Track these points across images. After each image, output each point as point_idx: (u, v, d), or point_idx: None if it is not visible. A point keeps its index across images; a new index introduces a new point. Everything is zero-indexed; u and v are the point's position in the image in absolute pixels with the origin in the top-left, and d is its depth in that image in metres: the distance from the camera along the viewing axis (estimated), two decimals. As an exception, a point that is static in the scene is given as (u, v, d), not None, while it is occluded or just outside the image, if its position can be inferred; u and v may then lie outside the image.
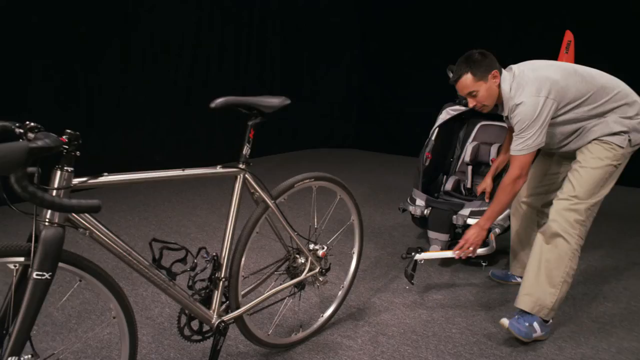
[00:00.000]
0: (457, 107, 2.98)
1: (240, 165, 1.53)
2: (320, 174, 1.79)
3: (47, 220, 1.10)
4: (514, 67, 1.99)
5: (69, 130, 1.08)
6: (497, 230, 2.58)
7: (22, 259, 1.09)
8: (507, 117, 2.03)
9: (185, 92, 4.96)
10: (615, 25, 4.68)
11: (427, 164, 2.91)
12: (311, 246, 1.84)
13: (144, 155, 4.53)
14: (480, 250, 2.24)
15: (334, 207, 3.54)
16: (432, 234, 2.70)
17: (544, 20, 5.05)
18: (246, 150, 1.54)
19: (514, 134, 1.94)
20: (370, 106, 6.70)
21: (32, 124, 1.05)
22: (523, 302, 1.97)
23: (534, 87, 1.85)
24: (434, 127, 2.96)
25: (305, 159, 6.12)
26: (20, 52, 3.57)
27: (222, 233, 3.19)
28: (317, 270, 1.83)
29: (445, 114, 2.98)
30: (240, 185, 1.53)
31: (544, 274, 1.94)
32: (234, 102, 1.46)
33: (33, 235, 1.08)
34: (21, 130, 1.06)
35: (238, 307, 1.62)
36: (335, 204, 3.64)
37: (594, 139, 1.94)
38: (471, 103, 2.02)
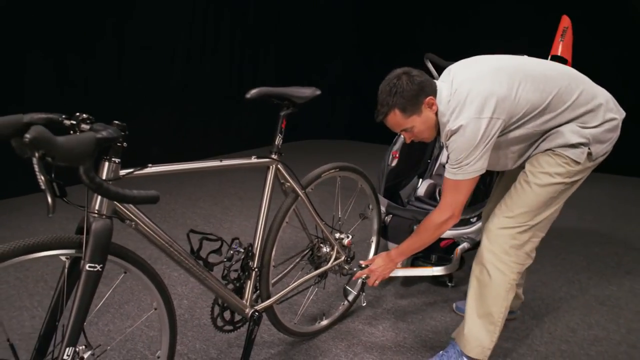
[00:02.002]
0: None
1: (273, 156, 1.54)
2: (345, 164, 1.82)
3: (96, 212, 1.10)
4: (452, 72, 1.55)
5: (116, 122, 1.07)
6: (467, 245, 2.26)
7: (72, 251, 1.09)
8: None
9: (181, 85, 4.91)
10: (616, 11, 4.72)
11: (393, 164, 2.53)
12: (337, 235, 1.86)
13: (140, 147, 4.46)
14: (437, 269, 2.05)
15: (341, 196, 3.57)
16: (391, 246, 2.30)
17: (537, 4, 5.09)
18: (278, 140, 1.55)
19: (447, 163, 1.53)
20: (364, 98, 6.73)
21: (84, 115, 1.04)
22: (465, 342, 1.68)
23: (474, 106, 1.42)
24: None
25: (300, 150, 6.12)
26: (15, 44, 3.48)
27: (228, 225, 3.22)
28: (342, 259, 1.86)
29: None
30: (272, 175, 1.54)
31: (482, 312, 1.65)
32: (267, 92, 1.47)
33: (85, 228, 1.08)
34: (72, 122, 1.04)
35: (269, 297, 1.63)
36: (340, 193, 3.67)
37: (547, 149, 1.54)
38: (408, 138, 1.60)
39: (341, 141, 6.84)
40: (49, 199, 0.83)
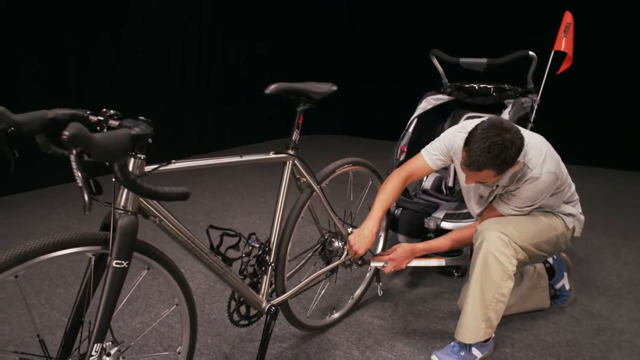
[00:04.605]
0: (440, 96, 2.73)
1: (290, 151, 1.55)
2: (358, 160, 1.84)
3: (121, 208, 1.10)
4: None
5: (142, 117, 1.07)
6: None
7: (99, 247, 1.09)
8: (496, 186, 1.73)
9: (177, 84, 4.88)
10: (619, 9, 4.74)
11: (401, 158, 2.57)
12: (349, 230, 1.88)
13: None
14: (448, 260, 2.08)
15: (352, 191, 3.57)
16: (401, 238, 2.37)
17: (539, 3, 5.11)
18: (295, 136, 1.55)
19: (507, 201, 1.72)
20: (359, 93, 6.74)
21: (112, 111, 1.03)
22: (461, 334, 1.71)
23: (553, 163, 1.64)
24: (412, 118, 2.68)
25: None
26: (11, 45, 3.43)
27: (230, 220, 3.22)
28: (355, 253, 1.87)
29: (426, 104, 2.70)
30: (289, 171, 1.55)
31: (478, 297, 1.68)
32: (285, 88, 1.47)
33: (111, 224, 1.08)
34: (99, 118, 1.04)
35: (284, 291, 1.64)
36: (348, 188, 3.68)
37: (552, 211, 1.83)
38: (469, 182, 1.66)
39: (336, 136, 6.85)
40: (86, 197, 0.83)
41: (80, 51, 3.90)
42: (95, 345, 1.06)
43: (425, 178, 2.82)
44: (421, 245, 1.82)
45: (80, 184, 0.82)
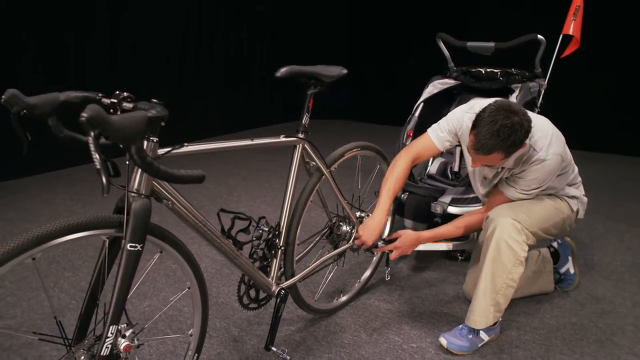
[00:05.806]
0: (447, 80, 2.72)
1: (300, 135, 1.54)
2: (366, 144, 1.83)
3: (135, 191, 1.09)
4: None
5: (154, 100, 1.06)
6: None
7: (113, 230, 1.09)
8: (501, 168, 1.74)
9: (177, 71, 4.84)
10: None
11: (407, 142, 2.54)
12: (357, 214, 1.88)
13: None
14: (455, 244, 2.06)
15: (359, 175, 3.57)
16: (407, 223, 2.38)
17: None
18: (305, 119, 1.54)
19: (513, 185, 1.73)
20: (362, 77, 6.68)
21: (125, 93, 1.02)
22: (472, 320, 1.72)
23: (559, 145, 1.64)
24: (418, 102, 2.67)
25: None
26: (9, 29, 3.39)
27: (235, 205, 3.22)
28: (363, 237, 1.88)
29: (432, 88, 2.70)
30: (299, 154, 1.54)
31: (489, 283, 1.69)
32: (296, 71, 1.46)
33: (125, 207, 1.07)
34: (113, 100, 1.03)
35: (293, 275, 1.65)
36: (356, 172, 3.69)
37: (556, 194, 1.84)
38: (476, 166, 1.66)
39: (339, 121, 6.82)
40: (104, 179, 0.82)
41: (79, 36, 3.86)
42: (111, 327, 1.07)
43: (430, 162, 2.82)
44: (427, 234, 1.82)
45: (98, 166, 0.82)
